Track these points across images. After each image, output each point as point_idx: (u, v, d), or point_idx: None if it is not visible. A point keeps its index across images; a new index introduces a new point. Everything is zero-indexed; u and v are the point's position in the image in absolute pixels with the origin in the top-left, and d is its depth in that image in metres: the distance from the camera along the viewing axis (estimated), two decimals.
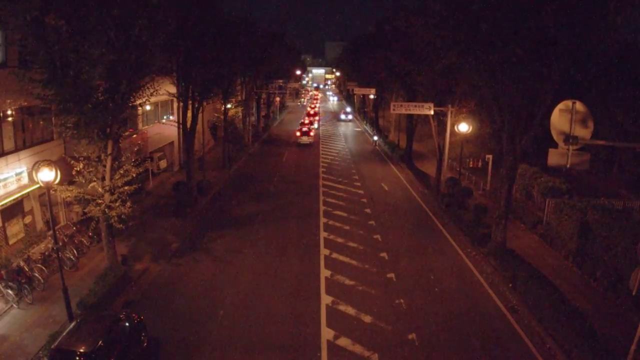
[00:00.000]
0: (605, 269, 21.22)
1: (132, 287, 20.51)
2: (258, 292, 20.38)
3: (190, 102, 31.56)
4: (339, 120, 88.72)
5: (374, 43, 54.86)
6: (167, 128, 38.74)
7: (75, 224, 24.96)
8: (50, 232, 20.20)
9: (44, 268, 20.38)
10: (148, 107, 33.51)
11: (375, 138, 60.45)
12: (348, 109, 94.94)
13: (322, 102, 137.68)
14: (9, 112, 21.08)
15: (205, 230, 27.57)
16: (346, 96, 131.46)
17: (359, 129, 78.20)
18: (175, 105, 39.44)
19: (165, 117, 40.42)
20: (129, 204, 20.32)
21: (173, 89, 33.42)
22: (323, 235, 26.86)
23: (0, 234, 21.65)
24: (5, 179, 20.75)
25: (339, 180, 40.25)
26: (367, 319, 18.31)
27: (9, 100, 20.17)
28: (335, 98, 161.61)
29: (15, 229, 22.61)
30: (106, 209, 19.65)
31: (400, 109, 35.84)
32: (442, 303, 19.66)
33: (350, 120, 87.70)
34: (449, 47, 24.01)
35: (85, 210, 20.25)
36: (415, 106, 34.34)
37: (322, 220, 29.58)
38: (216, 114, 50.73)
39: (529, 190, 32.80)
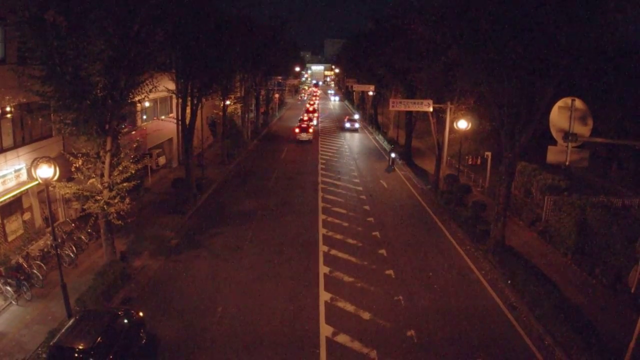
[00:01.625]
0: (604, 266, 21.26)
1: (131, 283, 20.51)
2: (257, 288, 20.39)
3: (189, 98, 31.53)
4: (343, 129, 72.13)
5: (373, 40, 54.83)
6: (166, 124, 38.73)
7: (74, 221, 24.96)
8: (49, 229, 20.20)
9: (42, 265, 20.38)
10: (147, 104, 33.51)
11: (393, 155, 45.05)
12: (356, 116, 77.73)
13: (321, 99, 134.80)
14: (8, 109, 21.05)
15: (204, 227, 27.57)
16: (345, 93, 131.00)
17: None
18: (174, 101, 39.41)
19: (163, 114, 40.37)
20: (127, 200, 20.33)
21: (172, 86, 33.39)
22: (322, 232, 26.87)
23: None
24: (4, 176, 20.72)
25: (338, 177, 40.25)
26: (366, 315, 18.34)
27: (7, 97, 20.13)
28: (337, 98, 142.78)
29: (14, 226, 22.59)
30: (105, 206, 19.65)
31: (400, 105, 35.82)
32: (441, 300, 19.70)
33: (356, 130, 71.58)
34: (449, 44, 24.00)
35: (84, 207, 20.25)
36: (415, 103, 34.33)
37: (321, 217, 29.59)
38: (215, 111, 50.63)
39: (528, 187, 32.79)
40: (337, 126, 75.99)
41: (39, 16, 15.68)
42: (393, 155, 44.49)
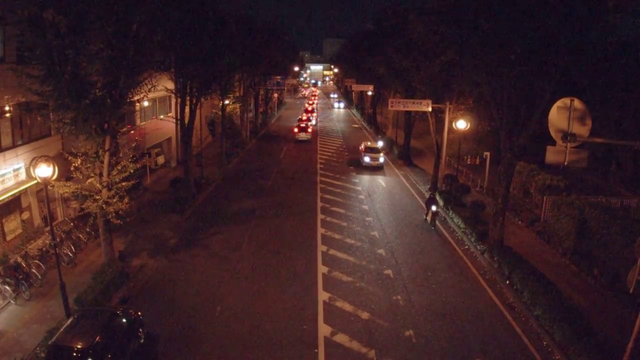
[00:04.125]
0: (603, 266, 21.28)
1: (130, 283, 20.50)
2: (255, 288, 20.39)
3: (188, 98, 31.52)
4: (364, 166, 44.50)
5: (373, 40, 54.83)
6: (164, 124, 38.70)
7: (73, 220, 24.93)
8: (48, 228, 20.20)
9: (41, 264, 20.36)
10: (146, 103, 33.46)
11: (434, 208, 28.39)
12: (379, 143, 49.56)
13: (320, 101, 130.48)
14: (7, 108, 21.01)
15: (203, 226, 27.57)
16: (344, 93, 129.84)
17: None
18: (173, 101, 39.39)
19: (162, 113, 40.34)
20: (126, 199, 20.32)
21: (171, 85, 33.35)
22: (320, 232, 26.88)
23: None
24: (3, 175, 20.70)
25: (337, 177, 40.26)
26: (365, 315, 18.35)
27: (6, 96, 20.10)
28: (341, 104, 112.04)
29: (12, 225, 22.57)
30: (104, 205, 19.64)
31: (399, 105, 35.85)
32: (439, 300, 19.71)
33: (380, 167, 44.64)
34: (448, 44, 24.01)
35: (83, 206, 20.23)
36: (414, 103, 34.36)
37: (320, 216, 29.59)
38: (214, 110, 50.64)
39: (527, 187, 32.82)
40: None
41: (38, 15, 15.66)
42: (434, 208, 28.30)
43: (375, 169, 44.43)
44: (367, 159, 44.70)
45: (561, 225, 24.78)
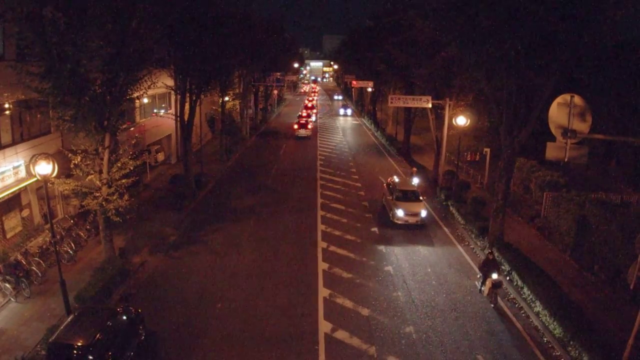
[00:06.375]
0: (603, 262, 21.28)
1: (130, 280, 20.50)
2: (255, 284, 20.40)
3: (187, 95, 31.49)
4: (393, 224, 27.48)
5: (372, 36, 54.80)
6: (164, 121, 38.67)
7: (73, 217, 24.93)
8: (48, 226, 20.20)
9: (41, 261, 20.37)
10: (145, 100, 33.45)
11: (495, 276, 18.90)
12: (414, 180, 34.00)
13: (319, 95, 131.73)
14: (7, 106, 20.99)
15: (203, 223, 27.57)
16: (344, 89, 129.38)
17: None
18: (173, 98, 39.36)
19: (162, 109, 40.27)
20: (126, 196, 20.32)
21: (171, 82, 33.32)
22: (321, 228, 26.88)
23: None
24: (2, 173, 20.67)
25: (337, 173, 40.25)
26: (365, 311, 18.36)
27: (6, 94, 20.07)
28: (349, 111, 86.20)
29: (12, 223, 22.56)
30: (104, 202, 19.65)
31: (398, 102, 35.83)
32: (440, 296, 19.71)
33: (423, 224, 27.45)
34: (448, 40, 23.97)
35: (83, 204, 20.22)
36: (413, 99, 34.34)
37: (320, 213, 29.59)
38: (214, 107, 50.63)
39: (527, 183, 32.81)
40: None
41: (37, 12, 15.63)
42: (495, 275, 19.04)
43: (415, 228, 27.29)
44: (400, 214, 27.09)
45: (561, 222, 24.77)
